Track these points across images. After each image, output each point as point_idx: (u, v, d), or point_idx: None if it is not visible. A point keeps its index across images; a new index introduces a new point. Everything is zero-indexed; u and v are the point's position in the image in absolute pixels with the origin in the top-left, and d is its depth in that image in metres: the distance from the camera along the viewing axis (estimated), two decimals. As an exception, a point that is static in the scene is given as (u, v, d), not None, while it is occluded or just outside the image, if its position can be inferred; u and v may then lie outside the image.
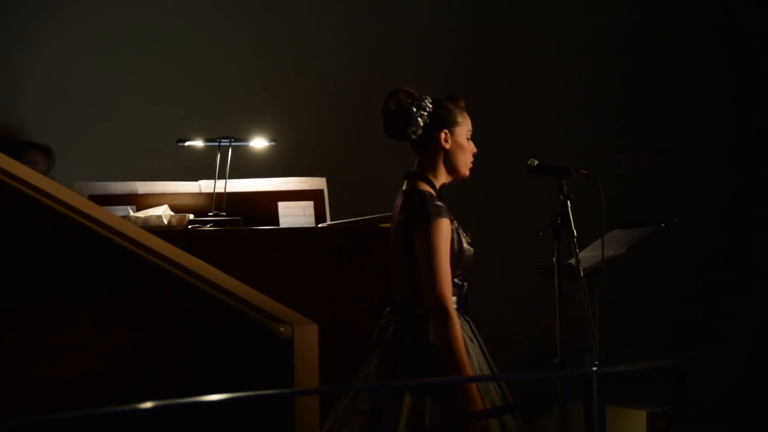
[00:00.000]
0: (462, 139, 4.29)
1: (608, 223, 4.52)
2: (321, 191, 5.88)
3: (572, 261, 4.37)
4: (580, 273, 4.28)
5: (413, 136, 4.26)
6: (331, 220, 5.77)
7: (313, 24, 7.47)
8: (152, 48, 7.32)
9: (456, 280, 4.21)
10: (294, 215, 5.79)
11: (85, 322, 3.69)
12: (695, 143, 7.54)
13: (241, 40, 7.42)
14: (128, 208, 5.75)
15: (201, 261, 3.72)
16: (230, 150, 6.00)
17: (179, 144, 6.25)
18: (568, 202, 4.28)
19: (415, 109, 4.24)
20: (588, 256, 5.21)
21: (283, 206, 5.80)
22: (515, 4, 7.57)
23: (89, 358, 3.66)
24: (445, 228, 4.15)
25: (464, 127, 4.30)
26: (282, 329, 3.55)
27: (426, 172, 4.28)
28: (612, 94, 7.55)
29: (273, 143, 6.30)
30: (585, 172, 4.32)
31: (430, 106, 4.26)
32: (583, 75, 7.54)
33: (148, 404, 2.82)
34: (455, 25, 7.56)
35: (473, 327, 4.25)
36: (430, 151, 4.28)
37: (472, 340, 4.21)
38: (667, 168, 7.53)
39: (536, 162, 4.39)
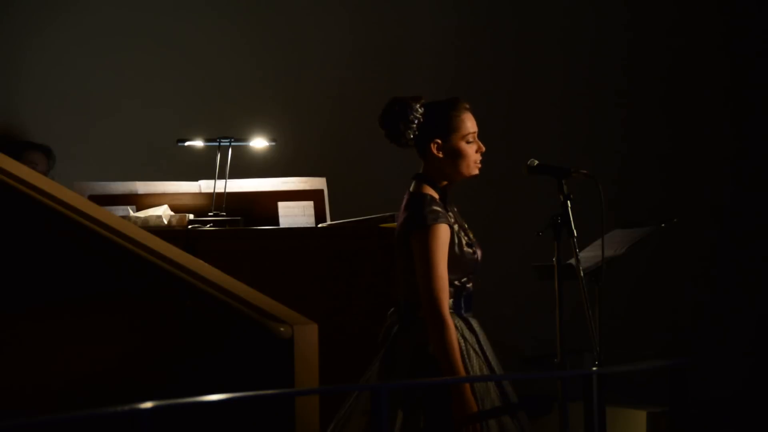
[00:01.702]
0: (458, 145, 4.26)
1: (608, 223, 4.52)
2: (321, 191, 5.88)
3: (572, 261, 4.37)
4: (580, 273, 4.28)
5: (409, 146, 4.27)
6: (331, 220, 5.77)
7: (313, 24, 7.47)
8: (152, 48, 7.31)
9: (456, 282, 4.21)
10: (294, 215, 5.79)
11: (85, 323, 3.69)
12: (695, 143, 7.54)
13: (242, 40, 7.41)
14: (128, 208, 5.75)
15: (201, 261, 3.72)
16: (230, 150, 6.00)
17: (179, 144, 6.25)
18: (568, 202, 4.27)
19: (402, 121, 4.23)
20: (588, 256, 5.21)
21: (283, 206, 5.80)
22: (518, 5, 7.57)
23: (89, 358, 3.66)
24: (442, 233, 4.14)
25: (461, 132, 4.26)
26: (282, 329, 3.55)
27: (430, 175, 4.28)
28: (613, 94, 7.55)
29: (273, 143, 6.30)
30: (585, 172, 4.31)
31: (420, 117, 4.24)
32: (584, 76, 7.54)
33: (148, 404, 2.82)
34: (457, 24, 7.55)
35: (474, 327, 4.23)
36: (428, 158, 4.28)
37: (471, 344, 4.19)
38: (668, 168, 7.53)
39: (536, 162, 4.39)
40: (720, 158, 7.52)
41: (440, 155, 4.25)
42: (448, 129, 4.25)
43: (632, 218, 6.07)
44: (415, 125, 4.23)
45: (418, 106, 4.24)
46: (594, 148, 7.38)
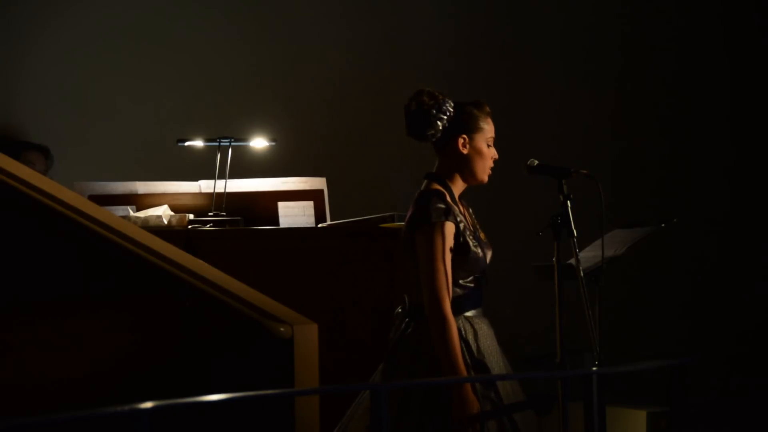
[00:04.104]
0: (481, 146, 4.29)
1: (608, 223, 4.52)
2: (321, 191, 5.88)
3: (572, 261, 4.37)
4: (580, 273, 4.28)
5: (432, 139, 4.27)
6: (331, 220, 5.77)
7: (313, 24, 7.47)
8: (152, 48, 7.31)
9: (461, 281, 4.21)
10: (294, 215, 5.79)
11: (85, 322, 3.69)
12: (695, 143, 7.54)
13: (242, 40, 7.41)
14: (128, 208, 5.75)
15: (201, 261, 3.72)
16: (230, 150, 6.00)
17: (179, 144, 6.25)
18: (568, 202, 4.27)
19: (434, 112, 4.24)
20: (588, 256, 5.21)
21: (283, 206, 5.80)
22: (517, 5, 7.57)
23: (89, 358, 3.66)
24: (445, 231, 4.14)
25: (485, 134, 4.29)
26: (282, 329, 3.56)
27: (443, 174, 4.29)
28: (612, 94, 7.55)
29: (273, 143, 6.30)
30: (585, 172, 4.31)
31: (451, 110, 4.26)
32: (584, 76, 7.54)
33: (148, 404, 2.82)
34: (456, 25, 7.56)
35: (476, 327, 4.23)
36: (449, 154, 4.29)
37: (470, 345, 4.20)
38: (667, 168, 7.53)
39: (536, 162, 4.39)
40: (719, 158, 7.52)
41: (464, 151, 4.26)
42: (475, 128, 4.28)
43: (632, 218, 6.07)
44: (446, 117, 4.25)
45: (449, 100, 4.26)
46: (594, 147, 7.38)
